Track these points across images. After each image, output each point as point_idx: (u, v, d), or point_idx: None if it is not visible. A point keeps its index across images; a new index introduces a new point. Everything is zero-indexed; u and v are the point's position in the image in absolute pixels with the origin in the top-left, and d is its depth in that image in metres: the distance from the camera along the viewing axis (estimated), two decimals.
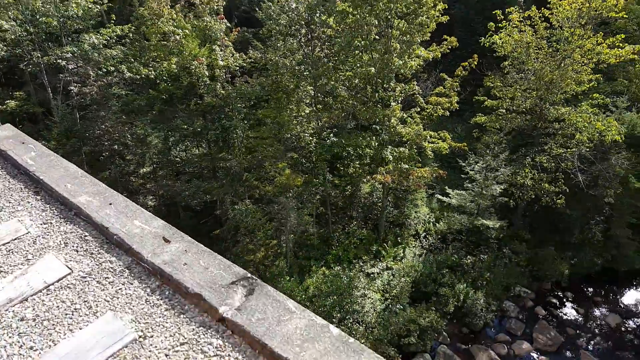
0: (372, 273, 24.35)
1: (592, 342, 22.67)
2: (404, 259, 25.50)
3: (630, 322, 23.60)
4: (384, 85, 22.45)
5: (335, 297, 22.22)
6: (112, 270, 3.57)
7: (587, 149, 23.85)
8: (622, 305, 24.59)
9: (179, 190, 25.57)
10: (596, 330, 23.27)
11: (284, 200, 24.11)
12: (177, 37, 21.05)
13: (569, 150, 23.66)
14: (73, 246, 3.83)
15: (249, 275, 3.35)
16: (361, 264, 24.89)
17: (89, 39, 23.36)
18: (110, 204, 4.23)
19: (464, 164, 26.78)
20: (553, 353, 22.12)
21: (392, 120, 22.93)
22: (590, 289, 25.65)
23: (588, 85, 22.60)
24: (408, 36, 20.67)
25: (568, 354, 22.10)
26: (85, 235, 3.96)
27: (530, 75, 23.96)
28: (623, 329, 23.28)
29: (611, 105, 24.52)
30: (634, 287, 25.73)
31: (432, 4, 20.34)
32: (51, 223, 4.12)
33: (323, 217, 27.55)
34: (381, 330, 21.58)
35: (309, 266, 25.36)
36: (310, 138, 23.13)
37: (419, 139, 23.11)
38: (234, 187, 25.57)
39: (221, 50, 22.22)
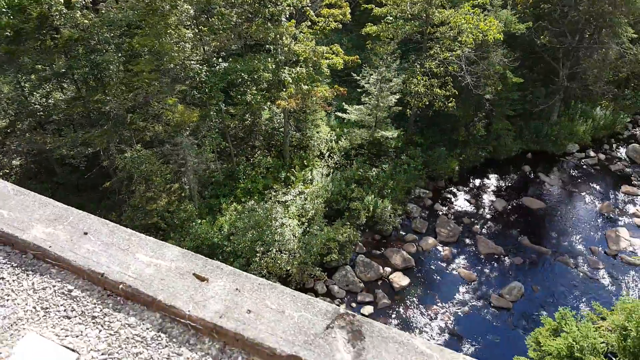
0: (286, 200, 24.16)
1: (485, 227, 25.60)
2: (313, 181, 25.58)
3: (513, 203, 26.93)
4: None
5: (254, 232, 21.79)
6: (141, 339, 2.53)
7: (470, 50, 25.07)
8: (504, 191, 27.82)
9: (51, 145, 22.00)
10: (487, 216, 26.25)
11: (180, 140, 22.12)
12: None
13: (454, 52, 24.61)
14: (60, 311, 2.65)
15: (342, 310, 2.57)
16: (273, 193, 24.46)
17: None
18: (86, 233, 3.00)
19: (358, 78, 26.66)
20: (454, 243, 24.63)
21: (285, 39, 21.53)
22: (478, 180, 28.49)
23: None
24: None
25: (467, 240, 24.77)
26: (70, 290, 2.77)
27: None
28: (508, 210, 26.54)
29: (488, 4, 25.61)
30: (513, 172, 29.11)
31: None
32: (3, 278, 2.82)
33: (225, 152, 26.09)
34: (304, 254, 21.93)
35: (219, 204, 24.30)
36: (199, 67, 20.90)
37: (316, 56, 22.20)
38: (119, 133, 22.70)
39: None
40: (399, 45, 26.10)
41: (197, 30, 20.50)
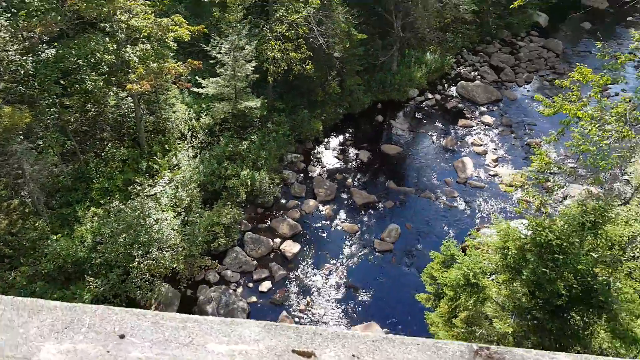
0: (155, 193, 22.21)
1: (355, 178, 27.08)
2: (179, 166, 23.92)
3: (375, 152, 28.82)
4: None
5: (126, 235, 19.69)
6: None
7: (315, 10, 25.33)
8: (365, 142, 29.55)
9: None
10: (356, 168, 27.73)
11: (14, 148, 18.53)
12: None
13: (300, 14, 24.64)
14: None
15: (475, 346, 2.35)
16: (138, 187, 22.26)
17: None
18: (122, 335, 2.23)
19: (208, 48, 25.14)
20: (333, 200, 25.65)
21: (120, 14, 19.10)
22: (341, 137, 29.75)
23: None
24: None
25: (343, 195, 25.99)
26: None
27: None
28: (372, 159, 28.36)
29: None
30: (369, 123, 30.99)
31: None
32: None
33: (69, 151, 22.71)
34: (189, 246, 20.71)
35: (73, 213, 21.31)
36: (23, 58, 17.47)
37: (160, 29, 20.21)
38: None
39: None
40: (247, 10, 25.14)
41: (10, 15, 16.91)
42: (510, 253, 13.11)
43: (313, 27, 24.58)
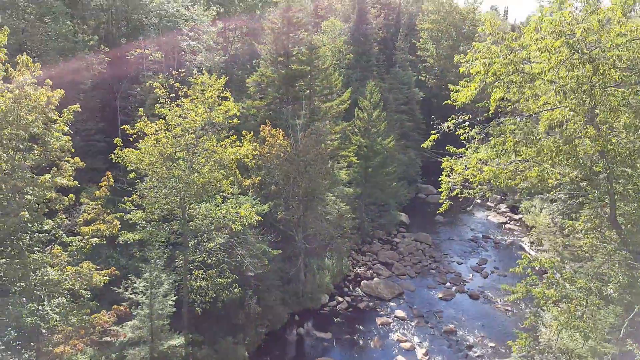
0: None
1: None
2: None
3: None
4: None
5: None
6: None
7: (228, 236, 26.07)
8: None
9: None
10: None
11: None
12: None
13: (216, 241, 25.06)
14: None
15: None
16: None
17: None
18: None
19: (120, 290, 23.25)
20: None
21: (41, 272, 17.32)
22: (267, 358, 27.92)
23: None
24: None
25: None
26: None
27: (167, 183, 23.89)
28: None
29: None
30: (290, 338, 29.91)
31: None
32: None
33: None
34: None
35: None
36: None
37: (85, 281, 18.51)
38: None
39: None
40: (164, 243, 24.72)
41: None
42: None
43: (236, 251, 24.96)
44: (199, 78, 24.85)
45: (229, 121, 24.47)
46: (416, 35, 79.36)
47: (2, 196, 15.76)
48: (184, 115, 22.79)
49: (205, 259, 24.35)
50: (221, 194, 25.60)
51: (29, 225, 16.34)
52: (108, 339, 21.05)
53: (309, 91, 39.34)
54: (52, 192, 17.27)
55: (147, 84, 36.87)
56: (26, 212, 15.29)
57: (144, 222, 23.91)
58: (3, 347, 16.74)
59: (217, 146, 23.90)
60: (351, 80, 55.86)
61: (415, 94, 64.39)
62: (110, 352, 23.45)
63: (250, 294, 28.29)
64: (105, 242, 20.68)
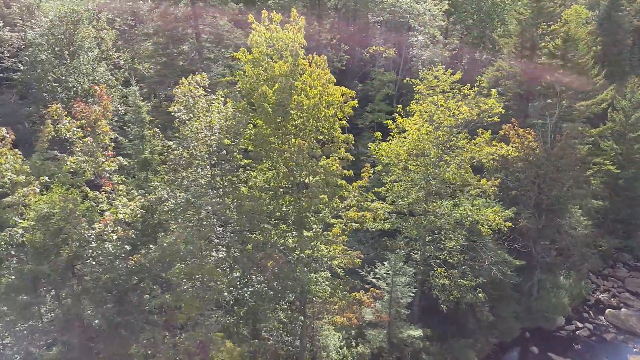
0: None
1: None
2: None
3: None
4: None
5: None
6: None
7: (464, 238, 25.21)
8: None
9: None
10: None
11: None
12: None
13: (457, 241, 24.48)
14: None
15: None
16: None
17: None
18: None
19: (364, 273, 24.62)
20: None
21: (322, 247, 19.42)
22: None
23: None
24: None
25: None
26: None
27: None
28: None
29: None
30: (524, 356, 27.82)
31: None
32: None
33: None
34: None
35: None
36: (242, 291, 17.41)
37: (350, 261, 20.05)
38: None
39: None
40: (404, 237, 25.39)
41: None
42: None
43: (479, 254, 24.11)
44: (432, 72, 24.45)
45: (487, 119, 23.55)
46: None
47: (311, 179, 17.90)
48: (445, 113, 22.68)
49: (447, 257, 24.09)
50: (465, 193, 24.97)
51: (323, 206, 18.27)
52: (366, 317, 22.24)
53: (559, 88, 35.47)
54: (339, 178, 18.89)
55: (378, 79, 38.45)
56: (325, 196, 17.14)
57: (387, 214, 24.80)
58: (286, 306, 19.28)
59: (470, 144, 23.27)
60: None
61: None
62: (350, 329, 25.13)
63: (482, 301, 27.05)
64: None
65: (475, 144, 23.39)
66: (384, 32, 40.64)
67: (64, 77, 27.99)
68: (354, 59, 40.63)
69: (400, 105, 24.64)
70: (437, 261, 24.14)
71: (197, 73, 23.68)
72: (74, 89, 28.14)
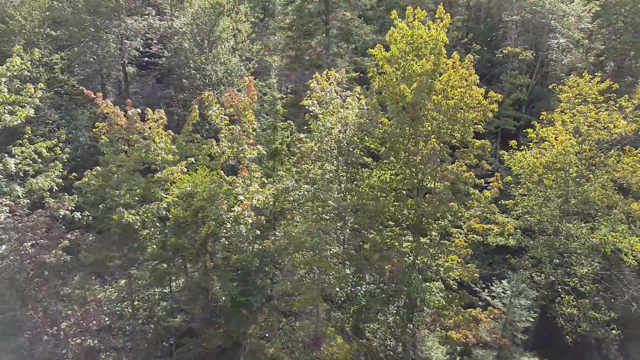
0: None
1: None
2: None
3: None
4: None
5: None
6: None
7: (599, 265, 22.63)
8: None
9: None
10: None
11: None
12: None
13: (591, 267, 22.01)
14: None
15: None
16: None
17: None
18: None
19: (478, 289, 23.23)
20: None
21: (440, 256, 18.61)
22: None
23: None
24: None
25: None
26: None
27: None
28: None
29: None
30: None
31: None
32: None
33: None
34: None
35: None
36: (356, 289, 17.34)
37: (468, 274, 18.98)
38: None
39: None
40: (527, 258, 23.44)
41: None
42: None
43: (617, 286, 21.56)
44: (583, 79, 22.10)
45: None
46: None
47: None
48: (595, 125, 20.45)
49: (578, 285, 21.81)
50: (607, 217, 22.37)
51: (449, 214, 17.48)
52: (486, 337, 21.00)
53: None
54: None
55: (509, 82, 35.97)
56: (455, 204, 16.33)
57: (513, 230, 23.04)
58: (395, 311, 18.78)
59: (622, 163, 20.70)
60: None
61: None
62: (457, 345, 23.92)
63: (611, 339, 24.17)
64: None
65: (628, 164, 20.71)
66: (521, 32, 37.94)
67: (203, 65, 30.04)
68: (482, 59, 38.59)
69: (544, 113, 22.60)
70: (565, 287, 21.92)
71: (324, 68, 23.92)
72: (210, 77, 30.13)
